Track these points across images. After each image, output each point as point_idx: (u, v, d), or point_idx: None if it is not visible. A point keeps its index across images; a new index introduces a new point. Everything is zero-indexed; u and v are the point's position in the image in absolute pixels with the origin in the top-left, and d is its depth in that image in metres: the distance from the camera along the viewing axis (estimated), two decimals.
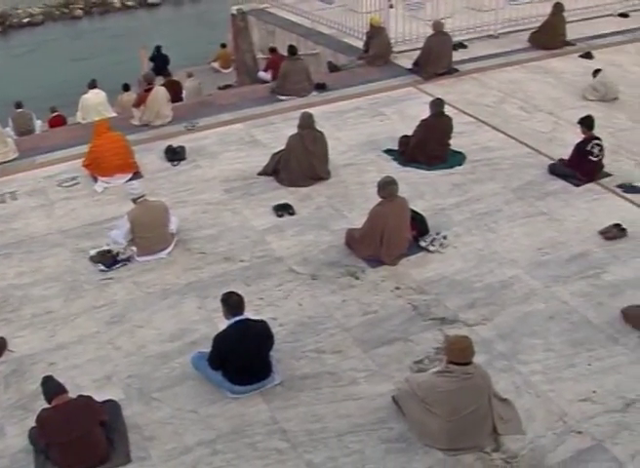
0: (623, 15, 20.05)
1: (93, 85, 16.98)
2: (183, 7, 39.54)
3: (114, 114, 16.44)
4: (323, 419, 7.44)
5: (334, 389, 7.80)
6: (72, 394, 6.90)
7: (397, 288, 9.36)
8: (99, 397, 7.18)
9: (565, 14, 17.74)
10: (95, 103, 16.42)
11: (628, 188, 11.48)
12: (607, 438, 7.12)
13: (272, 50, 18.94)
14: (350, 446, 7.13)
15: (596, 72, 15.05)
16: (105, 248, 10.11)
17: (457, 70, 16.25)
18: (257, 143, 13.39)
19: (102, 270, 9.85)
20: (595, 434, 7.16)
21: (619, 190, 11.45)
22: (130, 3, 38.87)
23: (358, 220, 10.21)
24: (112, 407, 7.40)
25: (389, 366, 8.07)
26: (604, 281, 9.41)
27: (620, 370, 7.93)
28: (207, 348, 7.72)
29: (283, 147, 12.01)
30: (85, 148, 12.44)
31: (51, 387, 6.81)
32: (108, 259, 9.97)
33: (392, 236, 9.69)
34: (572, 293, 9.17)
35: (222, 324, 7.77)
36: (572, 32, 17.95)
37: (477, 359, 7.10)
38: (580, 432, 7.19)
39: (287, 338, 8.48)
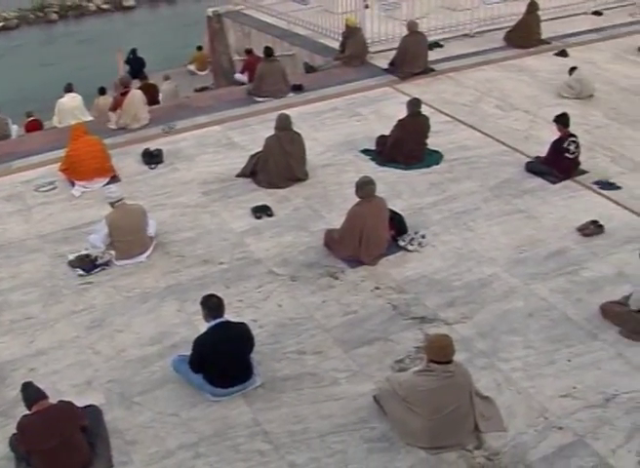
0: (597, 13, 20.19)
1: (69, 89, 16.93)
2: (159, 9, 39.40)
3: (91, 118, 16.38)
4: (305, 420, 7.44)
5: (315, 390, 7.80)
6: (53, 400, 6.85)
7: (377, 287, 9.37)
8: (79, 402, 7.14)
9: (539, 12, 17.86)
10: (71, 107, 16.36)
11: (605, 185, 11.56)
12: (588, 433, 7.17)
13: (249, 51, 18.92)
14: (333, 446, 7.13)
15: (572, 70, 15.13)
16: (84, 252, 10.07)
17: (433, 70, 16.30)
18: (234, 145, 13.38)
19: (81, 275, 9.81)
20: (576, 429, 7.20)
21: (595, 187, 11.52)
22: (105, 6, 38.67)
23: (337, 221, 10.22)
24: (93, 412, 7.36)
25: (370, 365, 8.08)
26: (582, 277, 9.46)
27: (599, 366, 7.98)
28: (187, 351, 7.71)
29: (260, 149, 12.01)
30: (62, 153, 12.39)
31: (31, 393, 6.77)
32: (87, 264, 9.92)
33: (371, 236, 9.71)
34: (551, 290, 9.22)
35: (203, 326, 7.77)
36: (546, 31, 18.06)
37: (458, 357, 7.13)
38: (561, 428, 7.23)
39: (267, 340, 8.48)
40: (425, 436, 7.03)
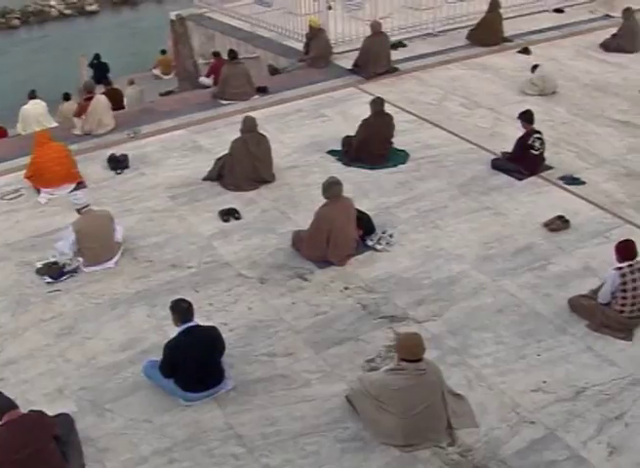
0: (558, 10, 20.33)
1: (32, 95, 16.83)
2: (122, 14, 39.23)
3: (55, 124, 16.27)
4: (278, 422, 7.43)
5: (287, 392, 7.80)
6: (23, 409, 6.78)
7: (346, 288, 9.38)
8: (51, 411, 7.07)
9: (501, 10, 17.98)
10: (35, 114, 16.26)
11: (569, 180, 11.65)
12: (559, 426, 7.23)
13: (215, 54, 18.84)
14: (306, 447, 7.13)
15: (534, 68, 15.24)
16: (52, 259, 9.99)
17: (397, 69, 16.34)
18: (200, 149, 13.34)
19: (49, 282, 9.73)
20: (548, 423, 7.26)
21: (560, 182, 11.61)
22: (68, 11, 38.43)
23: (304, 222, 10.22)
24: (65, 420, 7.29)
25: (341, 366, 8.09)
26: (550, 272, 9.53)
27: (569, 360, 8.05)
28: (158, 356, 7.67)
29: (226, 152, 11.98)
30: (27, 160, 12.28)
31: (1, 403, 6.69)
32: (55, 271, 9.84)
33: (339, 236, 9.72)
34: (519, 286, 9.28)
35: (173, 331, 7.72)
36: (509, 29, 18.18)
37: (428, 355, 7.16)
38: (532, 422, 7.28)
39: (238, 343, 8.46)
40: (399, 434, 7.05)
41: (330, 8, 18.46)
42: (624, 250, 8.39)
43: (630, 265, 8.25)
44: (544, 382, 7.74)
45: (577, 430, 7.18)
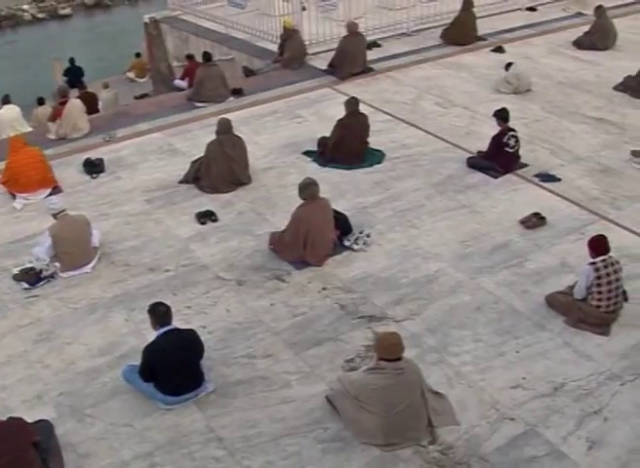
0: (531, 9, 20.45)
1: (6, 100, 16.70)
2: (95, 17, 39.09)
3: (30, 129, 16.17)
4: (258, 424, 7.42)
5: (267, 393, 7.79)
6: (2, 416, 6.78)
7: (324, 288, 9.39)
8: (30, 417, 7.04)
9: (475, 9, 18.04)
10: (9, 119, 16.13)
11: (545, 177, 11.70)
12: (539, 422, 7.26)
13: (189, 57, 18.81)
14: (287, 449, 7.13)
15: (508, 66, 15.31)
16: (28, 265, 9.93)
17: (372, 69, 16.37)
18: (176, 152, 13.30)
19: (26, 288, 9.67)
20: (527, 419, 7.29)
21: (536, 180, 11.67)
22: (41, 15, 38.26)
23: (281, 224, 10.22)
24: (45, 427, 7.26)
25: (321, 366, 8.09)
26: (527, 269, 9.58)
27: (547, 356, 8.09)
28: (137, 361, 7.64)
29: (202, 154, 11.96)
30: (1, 165, 12.21)
31: None
32: (32, 277, 9.79)
33: (317, 237, 9.72)
34: (497, 283, 9.32)
35: (151, 335, 7.71)
36: (482, 27, 18.25)
37: (408, 353, 7.18)
38: (512, 419, 7.31)
39: (217, 345, 8.44)
40: (379, 434, 7.06)
41: (304, 9, 18.47)
42: (597, 245, 8.44)
43: (604, 260, 8.31)
44: (523, 379, 7.78)
45: (556, 425, 7.22)
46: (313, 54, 17.32)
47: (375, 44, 17.75)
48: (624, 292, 8.64)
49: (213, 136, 11.89)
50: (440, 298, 9.10)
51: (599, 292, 8.30)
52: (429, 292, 9.22)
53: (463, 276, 9.49)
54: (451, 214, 10.88)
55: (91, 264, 9.99)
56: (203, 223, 10.91)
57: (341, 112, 12.54)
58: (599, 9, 17.77)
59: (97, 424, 7.51)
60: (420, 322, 8.69)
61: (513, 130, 11.86)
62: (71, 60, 24.73)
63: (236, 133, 12.02)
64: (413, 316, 8.79)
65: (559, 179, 11.65)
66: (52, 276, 9.83)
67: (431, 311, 8.88)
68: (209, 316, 8.98)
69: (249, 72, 17.11)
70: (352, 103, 12.43)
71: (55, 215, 9.90)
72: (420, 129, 13.69)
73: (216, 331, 8.69)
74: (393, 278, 9.53)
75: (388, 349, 6.95)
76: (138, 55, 25.48)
